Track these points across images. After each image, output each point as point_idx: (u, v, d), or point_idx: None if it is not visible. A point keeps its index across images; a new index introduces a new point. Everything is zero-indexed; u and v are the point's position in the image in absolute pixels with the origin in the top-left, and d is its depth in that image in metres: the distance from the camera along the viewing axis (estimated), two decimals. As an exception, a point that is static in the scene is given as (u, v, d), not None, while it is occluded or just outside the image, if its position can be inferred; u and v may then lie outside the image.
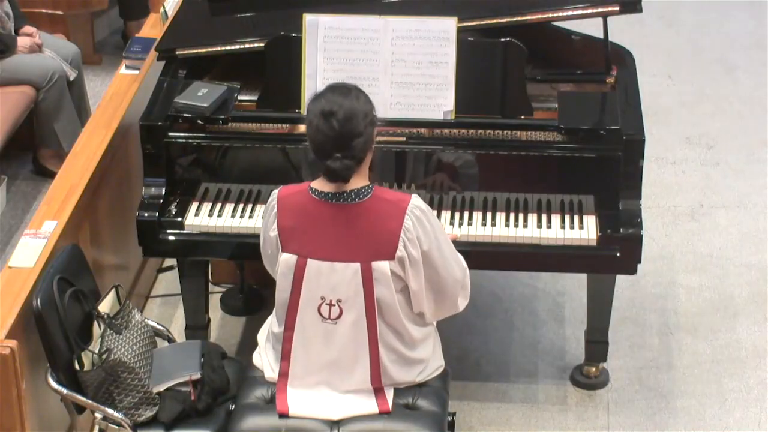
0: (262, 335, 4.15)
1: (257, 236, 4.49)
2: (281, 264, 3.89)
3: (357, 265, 3.83)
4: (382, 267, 3.83)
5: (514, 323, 5.30)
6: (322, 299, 3.88)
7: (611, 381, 4.99)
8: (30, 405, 4.13)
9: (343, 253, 3.83)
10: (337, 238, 3.83)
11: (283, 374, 3.98)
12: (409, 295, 3.92)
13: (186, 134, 4.58)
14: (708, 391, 4.96)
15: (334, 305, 3.88)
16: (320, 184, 3.85)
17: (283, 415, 3.95)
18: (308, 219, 3.85)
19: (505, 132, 4.59)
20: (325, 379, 3.96)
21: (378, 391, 3.96)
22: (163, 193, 4.57)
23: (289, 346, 3.95)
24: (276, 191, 3.92)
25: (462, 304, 4.04)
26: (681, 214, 6.00)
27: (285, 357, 3.96)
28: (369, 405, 3.96)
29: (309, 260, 3.85)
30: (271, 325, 4.06)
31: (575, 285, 5.40)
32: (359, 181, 3.83)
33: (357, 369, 3.93)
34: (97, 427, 4.17)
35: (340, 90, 3.79)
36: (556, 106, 4.61)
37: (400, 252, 3.83)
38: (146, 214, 4.54)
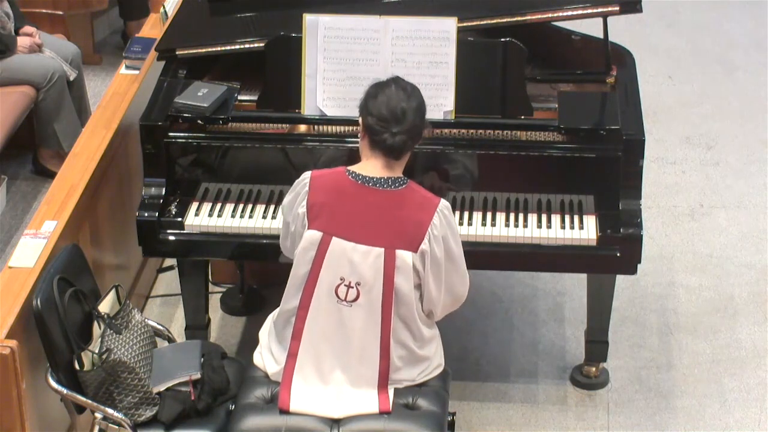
0: (264, 332, 4.15)
1: (257, 236, 4.51)
2: (304, 239, 3.91)
3: (380, 250, 3.86)
4: (404, 257, 3.87)
5: (514, 323, 5.30)
6: (341, 280, 3.89)
7: (611, 381, 4.99)
8: (30, 405, 4.13)
9: (368, 236, 3.87)
10: (366, 220, 3.88)
11: (292, 355, 3.97)
12: (421, 294, 3.95)
13: (186, 134, 4.58)
14: (708, 391, 4.97)
15: (353, 287, 3.89)
16: (359, 168, 3.92)
17: (284, 412, 3.95)
18: (340, 197, 3.90)
19: (505, 132, 4.59)
20: (333, 365, 3.96)
21: (381, 387, 3.96)
22: (163, 193, 4.57)
23: (302, 325, 3.95)
24: (308, 173, 3.98)
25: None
26: (681, 214, 6.00)
27: (296, 336, 3.96)
28: (370, 404, 3.96)
29: (334, 238, 3.87)
30: (281, 307, 4.03)
31: (575, 285, 5.40)
32: (397, 171, 3.93)
33: (365, 358, 3.94)
34: (97, 427, 4.17)
35: (407, 82, 3.97)
36: (556, 106, 4.61)
37: (424, 245, 3.87)
38: (146, 214, 4.54)
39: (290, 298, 3.99)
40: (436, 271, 3.92)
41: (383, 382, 3.96)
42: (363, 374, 3.96)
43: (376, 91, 3.92)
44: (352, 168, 3.93)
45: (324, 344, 3.95)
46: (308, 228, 3.91)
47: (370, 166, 3.91)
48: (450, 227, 3.92)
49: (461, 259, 3.99)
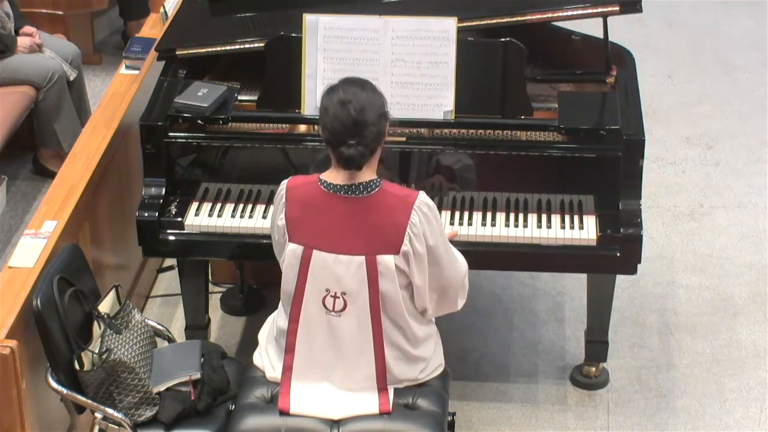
0: (263, 334, 4.15)
1: (257, 236, 4.51)
2: (287, 255, 3.90)
3: (362, 258, 3.84)
4: (386, 261, 3.84)
5: (514, 323, 5.30)
6: (326, 291, 3.89)
7: (611, 381, 4.99)
8: (30, 405, 4.13)
9: (348, 245, 3.85)
10: (343, 230, 3.85)
11: (288, 368, 3.98)
12: (412, 292, 3.93)
13: (186, 134, 4.58)
14: (708, 391, 4.97)
15: (339, 297, 3.88)
16: (330, 176, 3.87)
17: (284, 413, 3.95)
18: (315, 210, 3.87)
19: (505, 132, 4.59)
20: (329, 374, 3.96)
21: (381, 390, 3.96)
22: (163, 193, 4.57)
23: (294, 339, 3.95)
24: (285, 181, 3.95)
25: (460, 303, 4.07)
26: (681, 214, 6.00)
27: (289, 350, 3.96)
28: (370, 405, 3.96)
29: (314, 251, 3.86)
30: (276, 319, 4.05)
31: (575, 285, 5.40)
32: (368, 174, 3.86)
33: (361, 364, 3.93)
34: (97, 427, 4.17)
35: (356, 82, 3.86)
36: (556, 106, 4.61)
37: (405, 246, 3.84)
38: (146, 214, 4.54)
39: (282, 315, 4.00)
40: (420, 265, 3.88)
41: (382, 384, 3.96)
42: (360, 379, 3.95)
43: (327, 102, 3.81)
44: (324, 176, 3.88)
45: (318, 355, 3.95)
46: (289, 241, 3.90)
47: (340, 174, 3.85)
48: (429, 223, 3.86)
49: (443, 250, 3.92)
